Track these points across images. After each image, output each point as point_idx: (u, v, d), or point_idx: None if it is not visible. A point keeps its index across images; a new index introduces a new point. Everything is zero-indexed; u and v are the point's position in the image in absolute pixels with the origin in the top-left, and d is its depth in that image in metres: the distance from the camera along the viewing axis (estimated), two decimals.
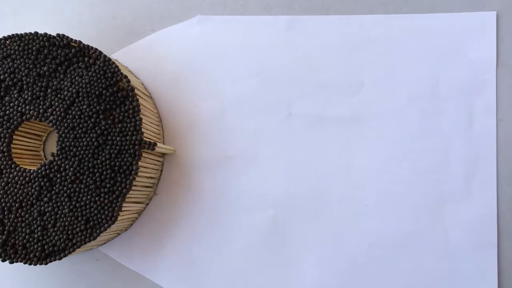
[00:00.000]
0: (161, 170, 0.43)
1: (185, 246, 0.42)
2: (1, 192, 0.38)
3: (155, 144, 0.38)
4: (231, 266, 0.41)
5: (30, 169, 0.39)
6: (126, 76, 0.38)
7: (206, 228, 0.42)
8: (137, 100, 0.38)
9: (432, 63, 0.40)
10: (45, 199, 0.38)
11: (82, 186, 0.38)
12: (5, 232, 0.38)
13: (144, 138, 0.38)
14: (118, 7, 0.45)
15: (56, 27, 0.44)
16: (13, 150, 0.40)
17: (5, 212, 0.38)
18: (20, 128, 0.40)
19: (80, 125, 0.38)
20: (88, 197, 0.38)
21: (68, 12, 0.45)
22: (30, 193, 0.38)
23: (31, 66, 0.39)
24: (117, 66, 0.38)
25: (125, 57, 0.44)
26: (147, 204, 0.43)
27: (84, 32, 0.45)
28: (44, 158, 0.44)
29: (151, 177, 0.42)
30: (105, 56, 0.39)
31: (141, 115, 0.38)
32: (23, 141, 0.41)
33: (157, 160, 0.42)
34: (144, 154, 0.38)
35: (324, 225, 0.40)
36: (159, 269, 0.42)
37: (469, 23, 0.40)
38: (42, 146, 0.44)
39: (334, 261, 0.40)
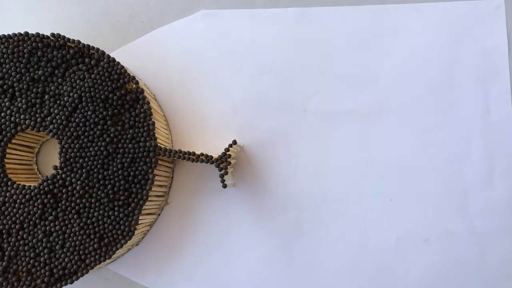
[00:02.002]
0: (172, 178, 0.40)
1: (202, 255, 0.39)
2: None
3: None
4: (254, 273, 0.39)
5: (30, 186, 0.34)
6: (134, 77, 0.35)
7: (224, 234, 0.39)
8: (148, 102, 0.35)
9: (445, 52, 0.40)
10: (50, 217, 0.34)
11: (93, 200, 0.34)
12: (5, 258, 0.34)
13: (158, 144, 0.35)
14: (112, 2, 0.41)
15: (43, 27, 0.40)
16: (6, 166, 0.36)
17: (4, 236, 0.34)
18: (14, 140, 0.36)
19: (86, 134, 0.35)
20: (101, 212, 0.34)
21: (55, 10, 0.41)
22: (32, 212, 0.34)
23: (23, 70, 0.35)
24: (123, 67, 0.35)
25: (123, 57, 0.40)
26: (159, 214, 0.40)
27: (73, 31, 0.41)
28: (38, 172, 0.40)
29: (163, 186, 0.39)
30: (109, 56, 0.35)
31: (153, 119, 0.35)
32: (16, 154, 0.37)
33: (168, 167, 0.39)
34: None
35: (349, 223, 0.39)
36: (176, 283, 0.39)
37: (479, 10, 0.40)
38: (35, 158, 0.40)
39: (361, 259, 0.39)
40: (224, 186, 0.35)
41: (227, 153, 0.35)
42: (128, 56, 0.40)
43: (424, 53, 0.40)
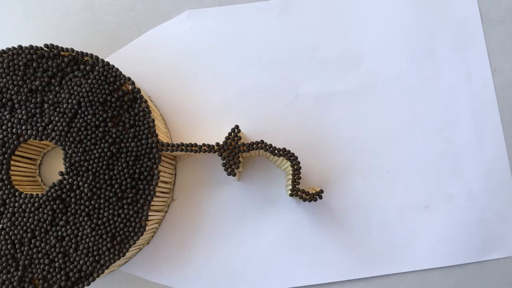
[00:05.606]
0: (175, 174, 0.41)
1: (213, 247, 0.40)
2: (8, 224, 0.35)
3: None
4: (264, 259, 0.40)
5: (38, 194, 0.35)
6: (129, 78, 0.36)
7: (231, 224, 0.40)
8: (146, 101, 0.36)
9: (422, 25, 0.42)
10: (61, 222, 0.35)
11: (101, 201, 0.35)
12: (20, 268, 0.34)
13: (160, 140, 0.36)
14: (98, 12, 0.42)
15: (34, 41, 0.41)
16: (12, 178, 0.36)
17: (16, 246, 0.34)
18: (16, 152, 0.36)
19: (88, 137, 0.35)
20: (110, 211, 0.35)
21: (44, 24, 0.42)
22: (42, 219, 0.35)
23: (20, 82, 0.36)
24: (118, 69, 0.36)
25: (114, 63, 0.41)
26: (166, 211, 0.41)
27: (64, 43, 0.41)
28: (42, 184, 0.40)
29: (167, 182, 0.39)
30: (103, 60, 0.36)
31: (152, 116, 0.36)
32: (19, 166, 0.38)
33: (170, 164, 0.40)
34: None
35: (352, 199, 0.40)
36: (189, 277, 0.40)
37: None
38: (38, 171, 0.40)
39: (366, 232, 0.40)
40: (234, 174, 0.36)
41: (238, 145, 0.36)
42: (120, 62, 0.41)
43: (402, 29, 0.42)
